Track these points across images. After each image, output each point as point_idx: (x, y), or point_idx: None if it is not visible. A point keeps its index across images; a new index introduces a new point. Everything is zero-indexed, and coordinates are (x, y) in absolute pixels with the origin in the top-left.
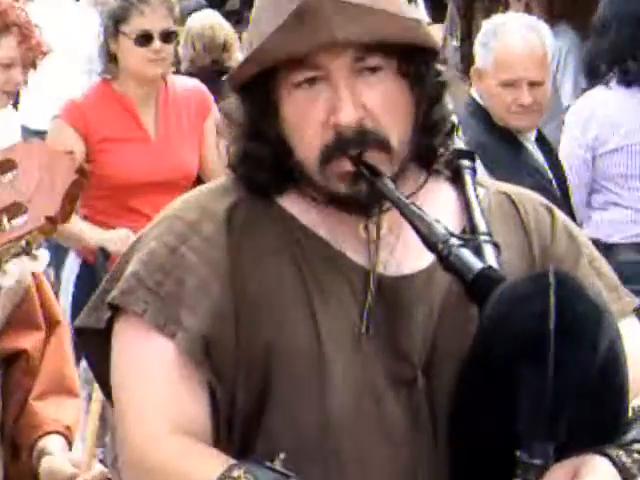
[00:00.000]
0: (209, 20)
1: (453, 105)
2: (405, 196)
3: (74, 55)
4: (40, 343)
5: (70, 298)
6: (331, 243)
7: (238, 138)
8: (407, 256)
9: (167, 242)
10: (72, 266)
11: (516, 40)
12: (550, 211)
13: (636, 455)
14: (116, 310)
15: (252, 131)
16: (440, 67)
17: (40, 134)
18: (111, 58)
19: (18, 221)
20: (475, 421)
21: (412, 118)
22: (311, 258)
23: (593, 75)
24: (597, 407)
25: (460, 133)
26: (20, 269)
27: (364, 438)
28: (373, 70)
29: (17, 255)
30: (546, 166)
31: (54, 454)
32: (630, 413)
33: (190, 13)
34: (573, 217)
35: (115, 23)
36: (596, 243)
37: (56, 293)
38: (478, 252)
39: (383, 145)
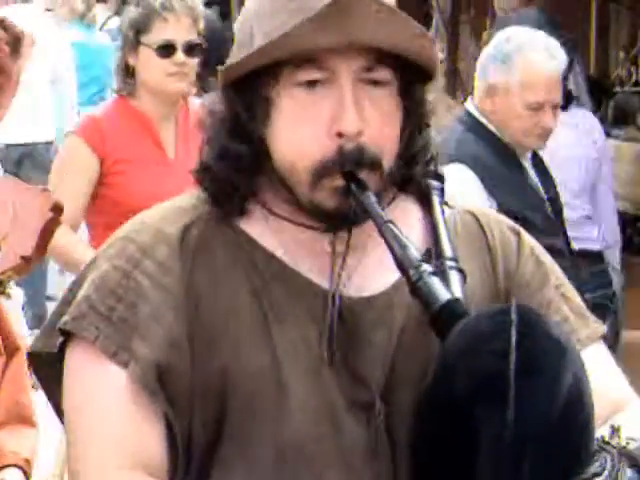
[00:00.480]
0: None
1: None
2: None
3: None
4: None
5: None
6: (289, 264)
7: (217, 134)
8: (367, 278)
9: (119, 266)
10: None
11: (543, 61)
12: (517, 234)
13: None
14: (68, 335)
15: (233, 128)
16: (428, 95)
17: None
18: (128, 73)
19: None
20: (435, 456)
21: (400, 139)
22: (268, 280)
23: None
24: (560, 445)
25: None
26: None
27: (322, 464)
28: (377, 83)
29: None
30: (539, 185)
31: None
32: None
33: None
34: (566, 236)
35: (136, 33)
36: None
37: None
38: (444, 279)
39: (376, 166)
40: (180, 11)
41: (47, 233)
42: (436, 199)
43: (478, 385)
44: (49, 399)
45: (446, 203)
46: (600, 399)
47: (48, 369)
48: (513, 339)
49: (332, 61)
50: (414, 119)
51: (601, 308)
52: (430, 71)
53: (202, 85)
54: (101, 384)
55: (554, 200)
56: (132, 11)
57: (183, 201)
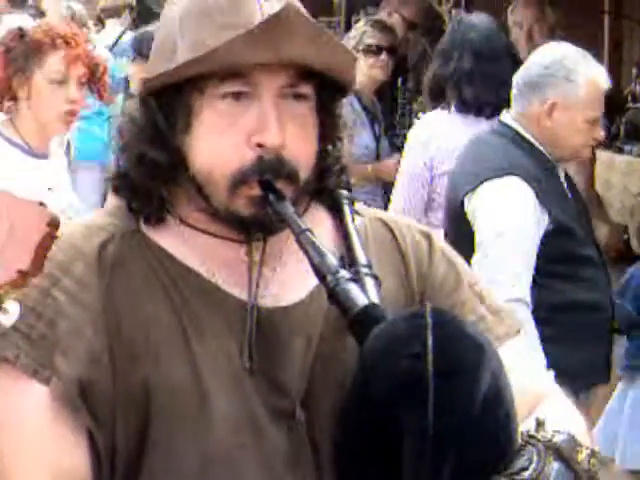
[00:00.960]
0: None
1: None
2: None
3: None
4: None
5: None
6: (206, 277)
7: (135, 142)
8: (284, 286)
9: (39, 284)
10: None
11: (601, 76)
12: (427, 237)
13: None
14: None
15: (152, 136)
16: (341, 110)
17: None
18: None
19: None
20: (358, 459)
21: (316, 153)
22: (185, 292)
23: (436, 97)
24: (482, 441)
25: None
26: None
27: (245, 474)
28: (298, 97)
29: None
30: (570, 197)
31: None
32: (519, 440)
33: None
34: (599, 248)
35: None
36: None
37: None
38: (361, 285)
39: (294, 178)
40: None
41: (44, 247)
42: (347, 208)
43: (397, 388)
44: None
45: (356, 212)
46: (520, 394)
47: None
48: (429, 341)
49: (257, 76)
50: (330, 133)
51: None
52: (347, 87)
53: None
54: (22, 402)
55: (585, 212)
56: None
57: (99, 217)
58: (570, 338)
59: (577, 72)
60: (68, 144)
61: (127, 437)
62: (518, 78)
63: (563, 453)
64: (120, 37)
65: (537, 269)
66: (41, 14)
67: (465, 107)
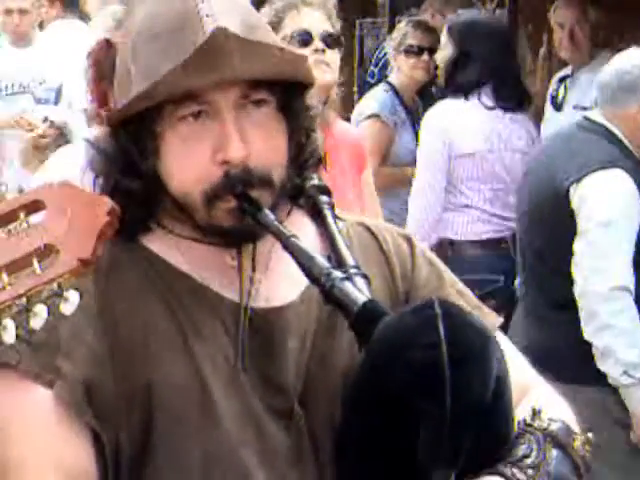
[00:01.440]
0: None
1: None
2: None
3: None
4: None
5: None
6: (195, 277)
7: (108, 171)
8: (275, 289)
9: None
10: None
11: None
12: (408, 239)
13: (530, 471)
14: None
15: (125, 165)
16: (310, 100)
17: None
18: None
19: (49, 263)
20: (368, 453)
21: (288, 150)
22: (180, 295)
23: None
24: (490, 428)
25: None
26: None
27: (249, 470)
28: (257, 103)
29: (48, 298)
30: None
31: None
32: (515, 427)
33: None
34: None
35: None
36: (444, 241)
37: None
38: (354, 284)
39: (266, 182)
40: (311, 2)
41: (103, 237)
42: (328, 212)
43: (414, 377)
44: None
45: (337, 216)
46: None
47: None
48: (441, 331)
49: (209, 95)
50: (298, 128)
51: None
52: (306, 82)
53: None
54: (27, 407)
55: None
56: (262, 14)
57: None
58: None
59: None
60: None
61: (131, 437)
62: (611, 81)
63: (560, 440)
64: None
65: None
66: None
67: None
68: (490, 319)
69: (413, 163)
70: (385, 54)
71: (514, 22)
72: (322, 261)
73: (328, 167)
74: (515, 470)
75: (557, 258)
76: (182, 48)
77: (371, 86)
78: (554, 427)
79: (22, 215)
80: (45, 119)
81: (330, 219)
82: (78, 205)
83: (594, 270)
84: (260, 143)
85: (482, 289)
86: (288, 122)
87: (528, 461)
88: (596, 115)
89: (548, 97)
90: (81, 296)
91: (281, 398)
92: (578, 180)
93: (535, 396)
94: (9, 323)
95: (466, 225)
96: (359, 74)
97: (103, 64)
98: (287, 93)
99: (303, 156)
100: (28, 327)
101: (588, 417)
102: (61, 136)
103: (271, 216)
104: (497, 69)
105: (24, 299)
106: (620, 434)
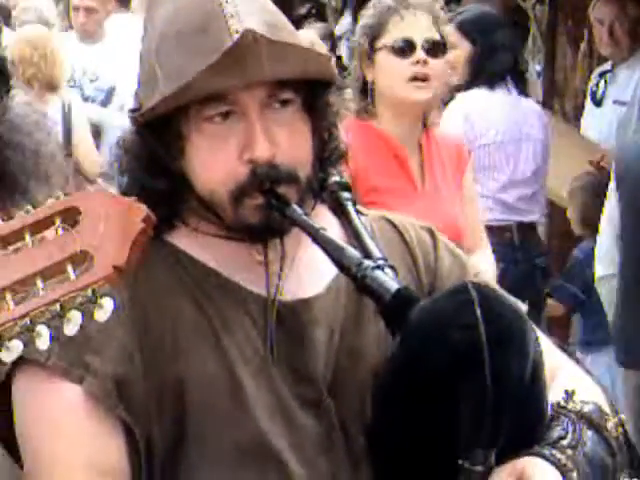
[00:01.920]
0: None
1: None
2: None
3: None
4: None
5: None
6: (222, 273)
7: (134, 171)
8: (301, 282)
9: None
10: None
11: None
12: (430, 232)
13: (569, 451)
14: (15, 362)
15: (151, 165)
16: (333, 97)
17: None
18: (366, 91)
19: (84, 270)
20: (405, 437)
21: (313, 147)
22: (207, 290)
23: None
24: (528, 407)
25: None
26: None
27: (281, 458)
28: (283, 103)
29: (82, 304)
30: None
31: None
32: (550, 408)
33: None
34: None
35: (371, 40)
36: None
37: None
38: (385, 273)
39: (293, 179)
40: (417, 6)
41: (138, 244)
42: (351, 208)
43: (453, 358)
44: None
45: (359, 211)
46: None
47: None
48: (478, 312)
49: (236, 96)
50: (321, 126)
51: None
52: (330, 80)
53: None
54: (57, 403)
55: None
56: (364, 18)
57: None
58: None
59: None
60: None
61: (164, 431)
62: None
63: (594, 422)
64: None
65: None
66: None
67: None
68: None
69: None
70: None
71: (554, 18)
72: (352, 251)
73: (428, 168)
74: (554, 451)
75: None
76: (209, 50)
77: None
78: (587, 409)
79: (58, 221)
80: None
81: (353, 214)
82: (113, 212)
83: None
84: (286, 142)
85: None
86: (312, 120)
87: (564, 442)
88: None
89: (588, 92)
90: (115, 303)
91: (310, 388)
92: None
93: (565, 378)
94: (43, 329)
95: None
96: None
97: None
98: (311, 91)
99: (326, 152)
100: (62, 333)
101: None
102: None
103: (299, 210)
104: (518, 57)
105: (58, 305)
106: None
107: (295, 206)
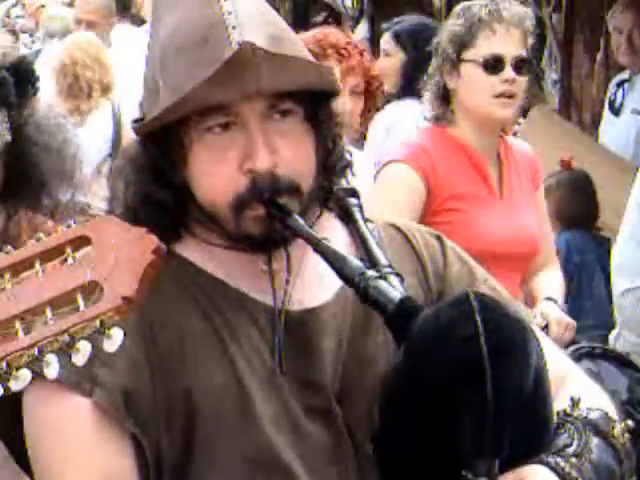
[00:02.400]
0: None
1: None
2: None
3: None
4: None
5: None
6: (229, 283)
7: (138, 181)
8: (308, 291)
9: None
10: None
11: None
12: (439, 238)
13: (573, 459)
14: None
15: (155, 175)
16: (335, 108)
17: None
18: (446, 97)
19: (94, 300)
20: (410, 446)
21: (316, 158)
22: (215, 300)
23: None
24: (531, 417)
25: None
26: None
27: (289, 469)
28: (284, 113)
29: (91, 335)
30: None
31: None
32: (555, 418)
33: None
34: None
35: (458, 49)
36: None
37: None
38: (388, 282)
39: (294, 191)
40: (509, 21)
41: (148, 275)
42: (358, 215)
43: (454, 369)
44: (5, 443)
45: (366, 218)
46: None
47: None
48: (480, 324)
49: (236, 107)
50: (324, 136)
51: None
52: (332, 91)
53: None
54: (66, 417)
55: None
56: (452, 25)
57: None
58: None
59: None
60: None
61: (172, 442)
62: None
63: (600, 429)
64: None
65: None
66: (142, 22)
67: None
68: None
69: None
70: None
71: (570, 27)
72: (355, 261)
73: (506, 177)
74: (558, 459)
75: None
76: (208, 61)
77: None
78: (593, 416)
79: (68, 250)
80: None
81: (360, 221)
82: (124, 242)
83: None
84: (287, 152)
85: None
86: (315, 131)
87: (570, 450)
88: None
89: (606, 102)
90: (125, 334)
91: (319, 397)
92: None
93: (572, 386)
94: (52, 358)
95: None
96: None
97: None
98: (313, 102)
99: (331, 162)
100: (70, 363)
101: None
102: None
103: (300, 221)
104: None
105: (67, 335)
106: None
107: (296, 216)
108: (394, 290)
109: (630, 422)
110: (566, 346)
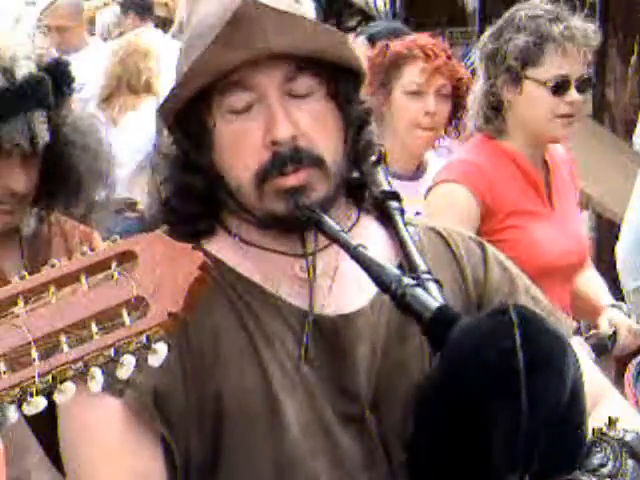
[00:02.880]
0: None
1: None
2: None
3: None
4: None
5: None
6: (265, 287)
7: (172, 174)
8: (344, 296)
9: None
10: None
11: None
12: (480, 244)
13: None
14: None
15: (185, 163)
16: (363, 96)
17: None
18: (499, 109)
19: (139, 315)
20: (441, 456)
21: (342, 140)
22: (249, 303)
23: None
24: (565, 433)
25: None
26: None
27: (320, 475)
28: (304, 97)
29: (136, 350)
30: None
31: None
32: (590, 434)
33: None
34: None
35: (522, 65)
36: None
37: None
38: (425, 289)
39: (317, 162)
40: (580, 41)
41: (194, 291)
42: (399, 218)
43: (488, 382)
44: (41, 444)
45: (407, 221)
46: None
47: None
48: (518, 336)
49: (253, 78)
50: (349, 117)
51: None
52: (354, 69)
53: None
54: (97, 418)
55: None
56: (517, 38)
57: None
58: None
59: None
60: None
61: (201, 444)
62: None
63: (636, 451)
64: None
65: None
66: (164, 24)
67: None
68: (565, 325)
69: None
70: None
71: (604, 31)
72: (392, 269)
73: (554, 187)
74: (594, 479)
75: None
76: (218, 26)
77: None
78: (629, 437)
79: (114, 265)
80: None
81: (401, 225)
82: (170, 258)
83: None
84: (308, 125)
85: None
86: (340, 111)
87: (605, 470)
88: None
89: None
90: (169, 348)
91: (352, 405)
92: None
93: (607, 406)
94: (97, 372)
95: None
96: None
97: (378, 66)
98: (336, 80)
99: (358, 146)
100: (115, 377)
101: None
102: None
103: (337, 227)
104: None
105: (112, 350)
106: None
107: (331, 221)
108: (431, 298)
109: None
110: (634, 353)
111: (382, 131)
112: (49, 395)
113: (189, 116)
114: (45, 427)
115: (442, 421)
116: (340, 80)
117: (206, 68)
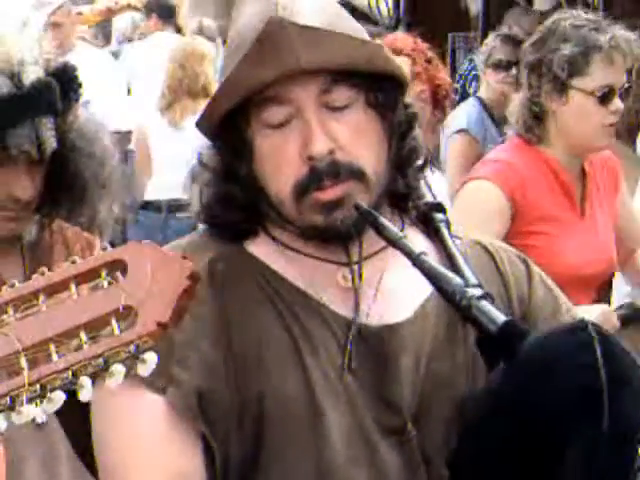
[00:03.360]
0: None
1: None
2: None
3: None
4: None
5: None
6: (309, 293)
7: (212, 182)
8: (389, 306)
9: None
10: None
11: None
12: (525, 261)
13: None
14: None
15: (225, 173)
16: (408, 100)
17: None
18: (541, 117)
19: (128, 325)
20: (494, 474)
21: (384, 149)
22: (293, 308)
23: None
24: (636, 450)
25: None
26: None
27: None
28: (342, 108)
29: (125, 359)
30: None
31: None
32: None
33: None
34: None
35: (569, 74)
36: None
37: None
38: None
39: (357, 175)
40: (625, 50)
41: (183, 301)
42: (445, 230)
43: (570, 397)
44: (74, 447)
45: (454, 235)
46: None
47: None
48: (599, 353)
49: (289, 92)
50: (392, 124)
51: None
52: (395, 77)
53: None
54: (137, 413)
55: None
56: (563, 48)
57: (197, 239)
58: None
59: None
60: None
61: (242, 448)
62: None
63: None
64: None
65: None
66: (178, 30)
67: None
68: None
69: None
70: (474, 68)
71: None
72: (457, 279)
73: (588, 195)
74: None
75: None
76: (250, 43)
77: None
78: None
79: (104, 273)
80: None
81: (448, 238)
82: (160, 267)
83: None
84: (347, 137)
85: None
86: (381, 119)
87: None
88: None
89: None
90: (159, 357)
91: (394, 416)
92: None
93: None
94: (86, 382)
95: None
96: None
97: None
98: (375, 89)
99: (401, 154)
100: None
101: None
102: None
103: (399, 234)
104: None
105: (101, 359)
106: None
107: (391, 226)
108: (497, 312)
109: None
110: None
111: None
112: (38, 404)
113: (229, 128)
114: (73, 422)
115: (498, 438)
116: (380, 88)
117: (239, 84)
